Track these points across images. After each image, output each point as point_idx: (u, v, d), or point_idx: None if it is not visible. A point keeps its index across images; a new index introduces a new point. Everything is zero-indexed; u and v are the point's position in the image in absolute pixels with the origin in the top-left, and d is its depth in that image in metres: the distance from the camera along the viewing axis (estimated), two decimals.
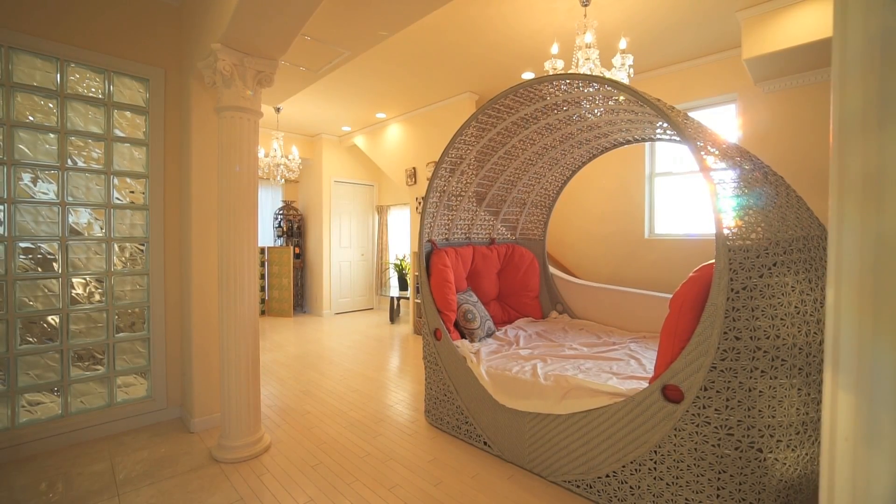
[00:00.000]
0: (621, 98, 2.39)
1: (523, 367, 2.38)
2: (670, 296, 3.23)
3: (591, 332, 3.23)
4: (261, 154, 5.37)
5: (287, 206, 7.14)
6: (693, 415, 1.61)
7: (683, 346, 1.66)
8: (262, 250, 6.89)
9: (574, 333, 3.21)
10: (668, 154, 4.21)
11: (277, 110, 5.40)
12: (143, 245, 2.74)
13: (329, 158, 6.85)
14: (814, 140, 3.29)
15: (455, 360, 2.57)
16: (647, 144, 4.26)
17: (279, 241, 7.10)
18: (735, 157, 1.74)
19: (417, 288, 5.48)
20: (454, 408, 2.59)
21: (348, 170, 7.13)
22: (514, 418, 2.24)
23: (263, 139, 6.19)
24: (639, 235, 4.23)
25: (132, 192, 2.69)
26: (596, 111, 2.66)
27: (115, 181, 2.64)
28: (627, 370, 2.35)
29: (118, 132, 2.63)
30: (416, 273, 5.47)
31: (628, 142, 3.28)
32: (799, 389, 1.52)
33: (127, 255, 2.69)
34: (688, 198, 4.07)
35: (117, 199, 2.65)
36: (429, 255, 2.94)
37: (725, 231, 1.52)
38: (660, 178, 4.27)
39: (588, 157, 3.57)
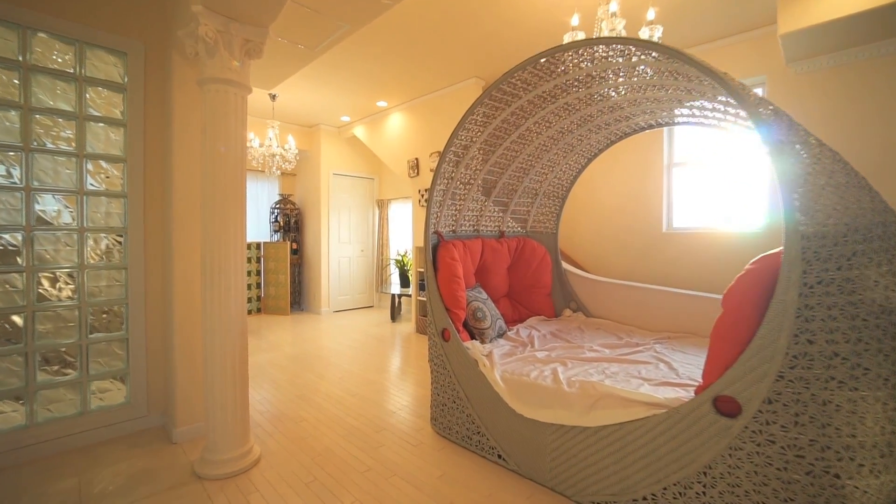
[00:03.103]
0: (650, 73, 2.14)
1: (542, 372, 2.14)
2: (694, 293, 2.99)
3: (609, 332, 2.98)
4: (255, 144, 5.11)
5: (284, 200, 6.88)
6: (754, 432, 1.37)
7: (741, 351, 1.41)
8: (258, 246, 6.64)
9: (591, 333, 2.96)
10: (687, 142, 3.96)
11: (273, 97, 5.13)
12: (120, 236, 2.49)
13: (327, 150, 6.59)
14: (849, 124, 3.04)
15: (465, 363, 2.32)
16: (666, 133, 4.01)
17: (276, 237, 6.84)
18: (800, 131, 1.49)
19: (421, 285, 5.23)
20: (464, 416, 2.34)
21: (348, 162, 6.87)
22: (534, 430, 1.99)
23: (258, 128, 5.93)
24: (656, 229, 3.99)
25: (107, 176, 2.43)
26: (620, 88, 2.41)
27: (89, 165, 2.38)
28: (658, 375, 2.11)
29: (92, 111, 2.38)
30: (420, 269, 5.22)
31: (650, 126, 3.03)
32: (885, 404, 1.28)
33: (102, 247, 2.44)
34: (710, 189, 3.82)
35: (92, 185, 2.39)
36: (435, 248, 2.69)
37: (798, 215, 1.27)
38: (677, 168, 4.01)
39: (606, 144, 3.31)
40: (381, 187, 7.32)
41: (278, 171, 5.29)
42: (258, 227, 6.86)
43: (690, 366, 2.24)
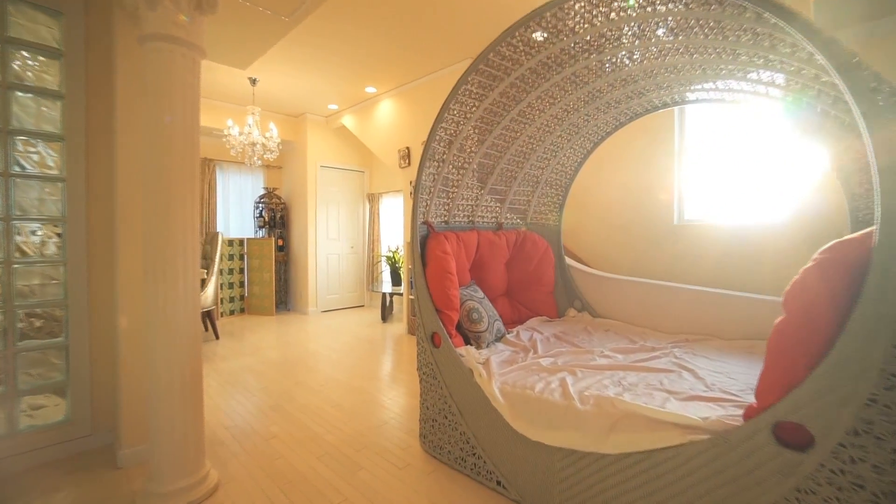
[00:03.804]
0: (674, 31, 1.83)
1: (549, 384, 1.81)
2: (714, 290, 2.67)
3: (620, 335, 2.67)
4: (234, 132, 4.75)
5: (269, 194, 6.51)
6: (833, 471, 1.05)
7: (813, 365, 1.09)
8: (242, 242, 6.27)
9: (600, 336, 2.65)
10: (700, 127, 3.64)
11: (253, 82, 4.77)
12: (58, 226, 2.14)
13: (314, 141, 6.23)
14: None
15: (458, 373, 1.99)
16: (677, 116, 3.69)
17: (260, 233, 6.47)
18: (889, 82, 1.17)
19: (412, 283, 4.89)
20: (457, 434, 2.01)
21: (336, 154, 6.51)
22: (540, 454, 1.67)
23: (237, 115, 5.56)
24: (667, 221, 3.67)
25: (38, 156, 2.08)
26: (636, 54, 2.08)
27: (18, 144, 2.03)
28: (684, 387, 1.79)
29: (19, 79, 2.02)
30: (411, 266, 4.88)
31: (665, 105, 2.72)
32: None
33: (34, 239, 2.09)
34: (726, 177, 3.50)
35: (20, 166, 2.04)
36: (424, 240, 2.36)
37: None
38: (689, 154, 3.69)
39: (614, 126, 3.00)
40: (371, 180, 6.97)
41: (259, 161, 4.94)
42: (242, 222, 6.50)
43: (718, 374, 1.93)
